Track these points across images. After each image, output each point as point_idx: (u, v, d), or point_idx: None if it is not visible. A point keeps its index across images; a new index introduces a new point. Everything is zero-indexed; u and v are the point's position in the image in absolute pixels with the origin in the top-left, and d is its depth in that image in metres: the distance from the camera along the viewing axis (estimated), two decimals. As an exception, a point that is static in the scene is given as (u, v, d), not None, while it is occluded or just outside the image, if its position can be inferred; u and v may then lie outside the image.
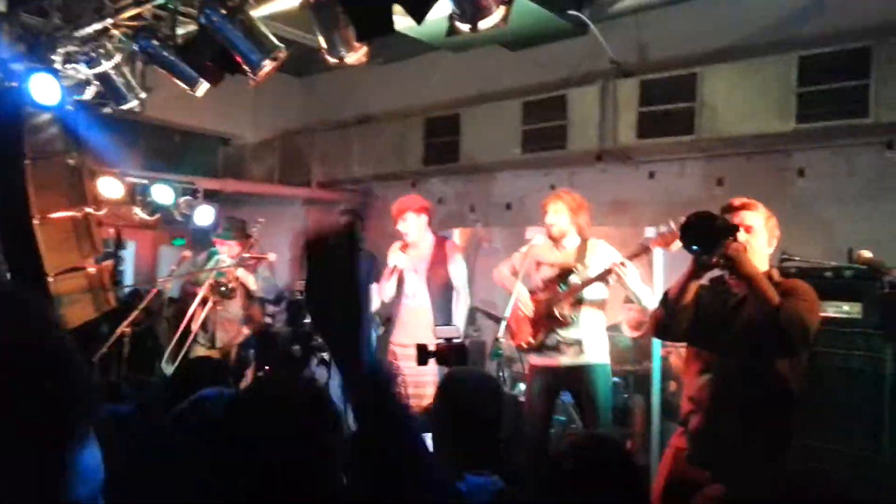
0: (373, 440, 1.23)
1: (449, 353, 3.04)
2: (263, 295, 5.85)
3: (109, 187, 6.37)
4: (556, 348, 4.33)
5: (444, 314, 4.85)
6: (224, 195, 7.97)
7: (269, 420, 1.43)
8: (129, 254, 8.86)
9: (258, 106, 8.51)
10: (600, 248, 4.37)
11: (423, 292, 4.89)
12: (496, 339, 4.13)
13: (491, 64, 6.56)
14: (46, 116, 6.00)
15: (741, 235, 2.77)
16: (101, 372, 5.38)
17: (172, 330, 5.85)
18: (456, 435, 2.37)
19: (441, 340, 3.12)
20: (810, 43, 5.01)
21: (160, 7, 4.71)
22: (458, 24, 3.54)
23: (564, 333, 4.30)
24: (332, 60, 4.07)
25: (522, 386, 5.12)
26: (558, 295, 4.31)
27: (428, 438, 2.54)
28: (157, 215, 6.94)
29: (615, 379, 5.62)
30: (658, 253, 4.61)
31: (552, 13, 5.36)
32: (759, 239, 3.00)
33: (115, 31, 5.07)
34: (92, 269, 6.24)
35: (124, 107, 5.43)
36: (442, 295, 4.88)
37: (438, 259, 4.94)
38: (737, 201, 3.02)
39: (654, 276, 5.11)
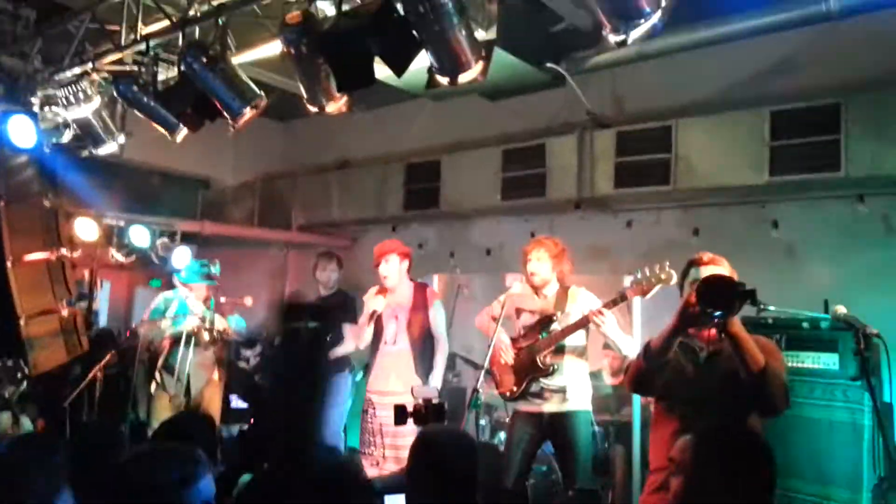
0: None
1: (427, 414, 3.00)
2: (236, 338, 5.78)
3: (85, 229, 6.29)
4: (539, 395, 4.28)
5: (423, 361, 4.78)
6: (203, 237, 7.92)
7: None
8: (104, 295, 8.75)
9: (239, 149, 8.53)
10: (581, 296, 4.34)
11: (404, 339, 4.80)
12: (475, 390, 4.08)
13: (471, 112, 6.64)
14: (23, 159, 5.97)
15: None
16: (72, 415, 5.26)
17: (149, 375, 5.72)
18: (432, 494, 2.33)
19: (419, 400, 3.09)
20: (782, 98, 5.14)
21: (141, 53, 4.71)
22: (438, 78, 3.58)
23: (548, 381, 4.27)
24: (312, 109, 4.09)
25: (503, 435, 5.06)
26: (539, 343, 4.28)
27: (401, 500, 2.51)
28: (133, 257, 6.86)
29: (595, 428, 5.60)
30: (637, 301, 4.63)
31: (530, 66, 5.47)
32: None
33: (95, 76, 5.08)
34: (65, 312, 6.16)
35: (103, 151, 5.40)
36: (422, 342, 4.81)
37: (418, 305, 4.87)
38: (705, 256, 3.04)
39: (634, 324, 5.13)
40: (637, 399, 5.14)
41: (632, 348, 4.16)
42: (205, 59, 4.17)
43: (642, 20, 2.82)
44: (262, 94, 4.51)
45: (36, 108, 5.56)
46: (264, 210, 8.73)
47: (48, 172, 6.17)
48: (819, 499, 4.22)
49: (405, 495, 2.46)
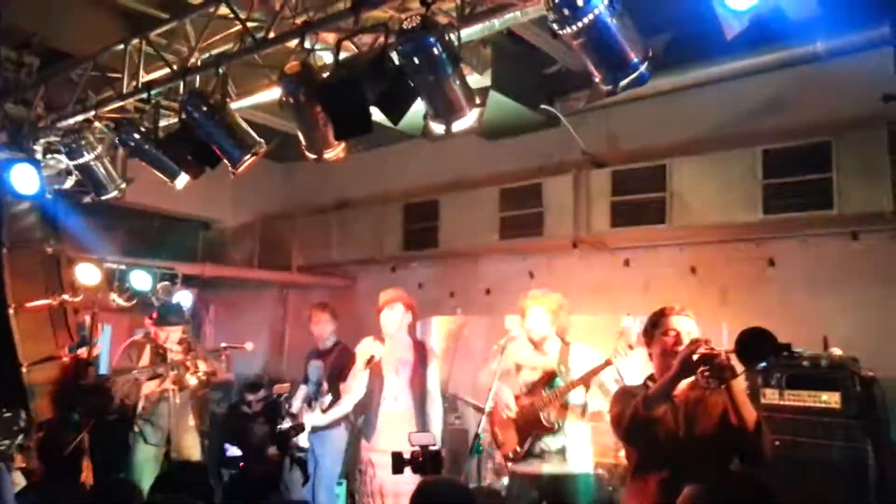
0: None
1: (425, 461, 2.99)
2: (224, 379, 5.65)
3: (87, 274, 6.31)
4: (540, 456, 4.19)
5: (422, 420, 4.59)
6: (203, 279, 7.96)
7: None
8: (105, 339, 8.76)
9: (239, 190, 8.60)
10: (582, 352, 4.29)
11: (406, 396, 4.63)
12: (476, 435, 4.04)
13: (468, 152, 6.73)
14: (25, 205, 6.05)
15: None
16: (72, 465, 5.21)
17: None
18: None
19: (416, 448, 3.07)
20: (773, 137, 5.21)
21: (142, 100, 4.79)
22: (432, 125, 3.64)
23: (549, 441, 4.17)
24: (311, 157, 4.15)
25: (506, 480, 4.98)
26: (544, 398, 4.20)
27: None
28: (135, 301, 6.87)
29: (598, 471, 5.54)
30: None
31: (525, 107, 5.56)
32: None
33: (97, 123, 5.15)
34: (66, 359, 6.17)
35: (104, 197, 5.45)
36: (422, 400, 4.64)
37: (419, 362, 4.72)
38: (676, 306, 3.04)
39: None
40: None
41: None
42: (205, 108, 4.24)
43: (630, 70, 2.89)
44: (262, 140, 4.57)
45: (38, 155, 5.63)
46: (264, 251, 8.79)
47: (50, 218, 6.24)
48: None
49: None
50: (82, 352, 5.99)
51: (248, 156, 4.47)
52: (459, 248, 7.02)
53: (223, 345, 5.70)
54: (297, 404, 5.00)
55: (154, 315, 5.63)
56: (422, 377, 4.69)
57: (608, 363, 4.01)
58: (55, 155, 5.58)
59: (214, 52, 4.59)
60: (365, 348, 4.72)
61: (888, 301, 4.91)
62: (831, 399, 4.39)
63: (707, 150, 5.54)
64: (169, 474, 2.81)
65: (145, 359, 5.45)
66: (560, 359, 4.26)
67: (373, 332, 4.86)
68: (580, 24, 2.87)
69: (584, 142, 6.10)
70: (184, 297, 6.79)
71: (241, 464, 3.87)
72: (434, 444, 3.10)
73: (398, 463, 3.09)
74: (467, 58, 4.93)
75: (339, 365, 5.11)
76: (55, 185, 5.83)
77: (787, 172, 5.05)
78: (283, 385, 4.25)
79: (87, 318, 6.46)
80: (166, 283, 6.89)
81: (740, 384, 2.73)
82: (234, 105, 4.56)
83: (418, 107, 3.61)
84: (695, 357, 2.72)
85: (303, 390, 5.12)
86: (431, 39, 3.27)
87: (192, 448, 5.46)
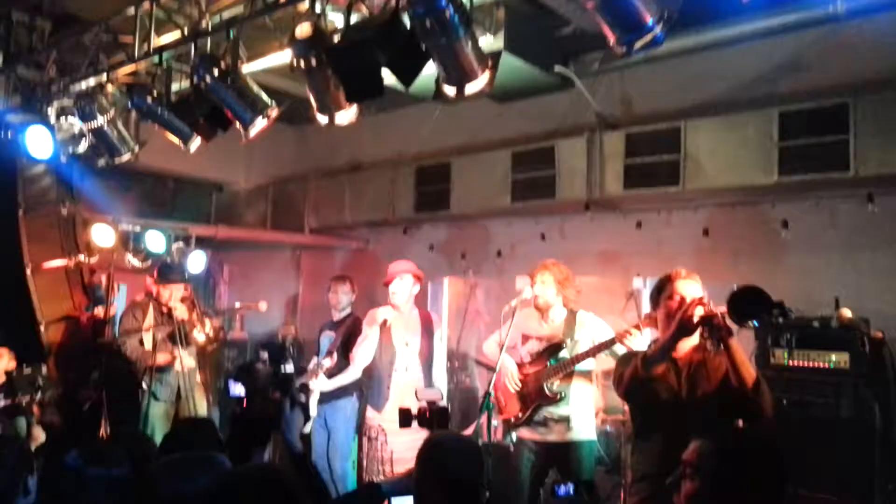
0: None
1: (431, 416, 3.05)
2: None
3: (102, 235, 6.37)
4: (543, 424, 4.23)
5: (430, 386, 4.67)
6: (217, 241, 8.02)
7: None
8: (120, 299, 8.89)
9: (251, 153, 8.62)
10: (588, 321, 4.29)
11: (416, 366, 4.69)
12: (486, 392, 4.09)
13: (480, 115, 6.68)
14: (40, 168, 6.10)
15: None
16: (91, 421, 5.33)
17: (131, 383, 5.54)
18: (438, 498, 2.38)
19: (423, 403, 3.13)
20: (790, 99, 5.14)
21: (154, 64, 4.79)
22: (445, 88, 3.62)
23: (553, 409, 4.20)
24: (322, 120, 4.15)
25: (515, 435, 5.08)
26: (548, 370, 4.22)
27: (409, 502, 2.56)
28: (150, 261, 6.94)
29: (608, 428, 5.62)
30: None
31: (538, 69, 5.49)
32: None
33: (109, 87, 5.15)
34: (83, 319, 6.29)
35: (118, 160, 5.48)
36: (428, 369, 4.75)
37: (427, 332, 4.81)
38: (683, 271, 3.04)
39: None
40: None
41: None
42: (217, 72, 4.24)
43: (645, 31, 2.86)
44: (273, 103, 4.57)
45: (52, 119, 5.65)
46: (277, 213, 8.83)
47: (65, 181, 6.30)
48: (832, 498, 4.25)
49: (413, 498, 2.52)
50: (99, 311, 6.11)
51: (260, 119, 4.49)
52: (471, 210, 7.02)
53: (237, 304, 5.77)
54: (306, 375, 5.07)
55: (155, 273, 5.65)
56: (429, 347, 4.77)
57: (616, 340, 4.01)
58: (69, 118, 5.58)
59: (225, 15, 4.57)
60: (377, 315, 4.75)
61: (902, 263, 4.90)
62: (840, 359, 4.42)
63: (722, 113, 5.47)
64: (176, 432, 2.87)
65: (150, 319, 5.50)
66: (566, 328, 4.28)
67: (384, 296, 4.91)
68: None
69: (598, 104, 6.04)
70: (198, 258, 6.85)
71: (244, 403, 3.97)
72: (441, 400, 3.15)
73: (406, 418, 3.15)
74: (479, 19, 4.88)
75: (349, 334, 5.15)
76: (69, 148, 5.86)
77: (804, 134, 4.99)
78: (287, 328, 4.31)
79: (103, 279, 6.56)
80: (180, 244, 6.95)
81: (738, 345, 2.76)
82: (245, 68, 4.54)
83: (430, 70, 3.60)
84: (694, 318, 2.75)
85: (314, 362, 5.17)
86: (443, 1, 3.24)
87: (200, 404, 5.56)
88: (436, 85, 3.66)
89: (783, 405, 4.39)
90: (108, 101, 5.22)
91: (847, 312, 4.29)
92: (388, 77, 3.62)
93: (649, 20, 2.88)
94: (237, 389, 3.72)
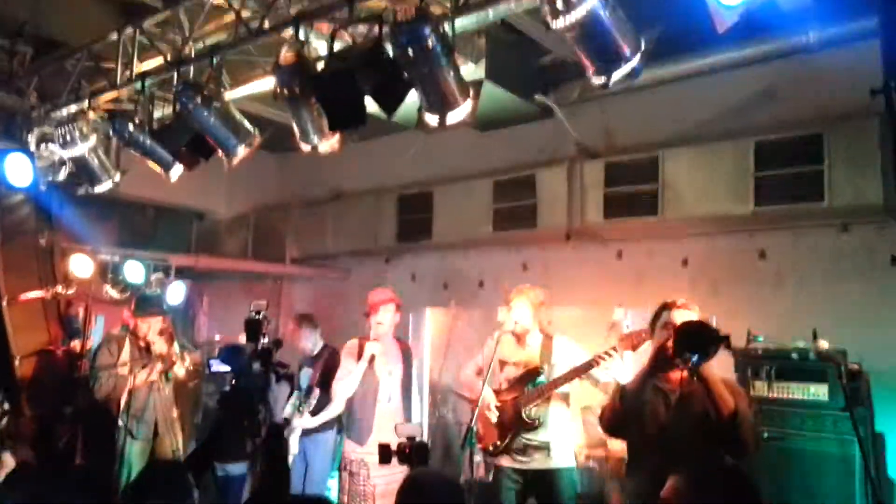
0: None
1: (411, 452, 3.03)
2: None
3: (80, 266, 6.26)
4: (523, 451, 4.21)
5: (409, 415, 4.72)
6: (197, 271, 7.95)
7: None
8: (98, 331, 8.76)
9: (232, 181, 8.59)
10: (565, 346, 4.31)
11: (398, 396, 4.70)
12: (469, 427, 4.05)
13: (462, 144, 6.73)
14: (19, 197, 6.02)
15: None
16: (66, 457, 5.20)
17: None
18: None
19: (403, 439, 3.11)
20: (765, 129, 5.23)
21: (136, 91, 4.78)
22: (427, 117, 3.66)
23: (532, 436, 4.19)
24: (305, 148, 4.16)
25: (490, 460, 5.03)
26: (525, 395, 4.21)
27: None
28: (128, 293, 6.84)
29: (590, 463, 5.58)
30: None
31: (518, 98, 5.56)
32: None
33: (91, 114, 5.13)
34: (59, 352, 6.17)
35: (99, 189, 5.44)
36: (408, 398, 4.77)
37: (405, 362, 4.83)
38: (679, 300, 3.08)
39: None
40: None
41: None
42: (200, 99, 4.24)
43: (623, 62, 2.91)
44: (257, 131, 4.58)
45: (32, 146, 5.61)
46: (258, 242, 8.78)
47: (44, 210, 6.22)
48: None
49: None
50: (75, 344, 6.00)
51: (243, 147, 4.49)
52: (453, 239, 7.04)
53: (217, 337, 5.68)
54: (289, 410, 4.97)
55: (132, 305, 5.47)
56: (409, 376, 4.80)
57: (594, 364, 4.01)
58: (49, 146, 5.55)
59: (209, 42, 4.59)
60: (365, 350, 4.69)
61: (877, 293, 4.95)
62: (818, 391, 4.43)
63: (699, 142, 5.55)
64: (149, 474, 2.80)
65: (126, 353, 5.26)
66: (543, 353, 4.27)
67: (363, 326, 4.88)
68: (573, 17, 2.89)
69: (578, 133, 6.11)
70: (177, 289, 6.78)
71: (233, 380, 3.96)
72: (420, 436, 3.13)
73: (385, 454, 3.13)
74: (461, 47, 4.93)
75: (328, 368, 5.11)
76: (49, 177, 5.81)
77: (779, 165, 5.07)
78: (259, 302, 4.27)
79: (80, 311, 6.46)
80: (159, 274, 6.88)
81: (714, 376, 2.77)
82: (228, 95, 4.56)
83: (412, 98, 3.63)
84: (667, 353, 2.77)
85: (295, 397, 5.08)
86: (426, 31, 3.29)
87: (176, 440, 5.39)
88: (418, 114, 3.69)
89: (760, 437, 4.38)
90: (89, 128, 5.19)
91: (824, 344, 4.32)
92: (371, 105, 3.65)
93: (627, 51, 2.94)
94: (220, 367, 3.71)
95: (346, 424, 4.93)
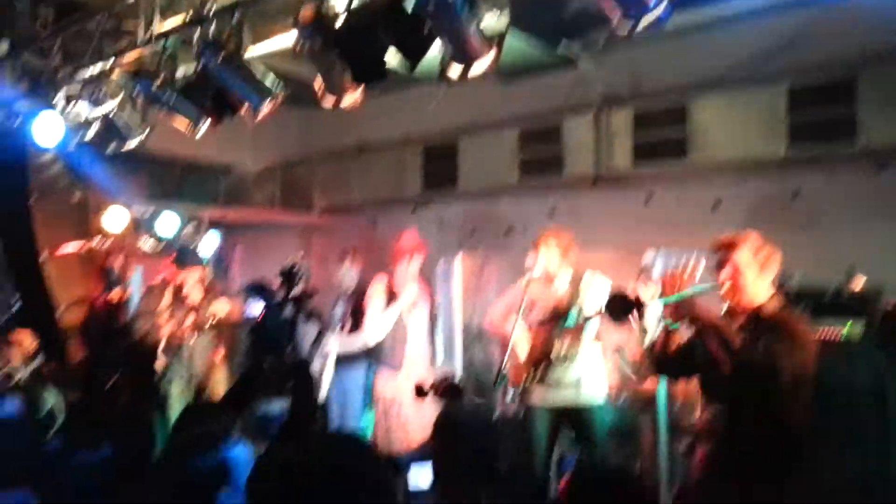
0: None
1: (446, 391, 3.11)
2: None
3: (115, 219, 6.44)
4: (554, 386, 4.32)
5: (433, 350, 5.04)
6: (227, 223, 8.05)
7: None
8: (135, 281, 8.96)
9: (257, 136, 8.57)
10: (594, 283, 4.36)
11: (424, 333, 4.97)
12: (500, 367, 4.15)
13: (486, 94, 6.63)
14: (50, 155, 6.13)
15: (725, 273, 2.90)
16: (111, 401, 5.41)
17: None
18: (456, 470, 2.44)
19: (437, 378, 3.19)
20: (798, 72, 5.09)
21: (159, 50, 4.78)
22: (450, 68, 3.62)
23: (562, 373, 4.31)
24: (328, 103, 4.15)
25: (518, 394, 5.17)
26: (555, 333, 4.30)
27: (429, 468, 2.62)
28: (162, 244, 6.98)
29: (621, 401, 5.66)
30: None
31: (544, 46, 5.45)
32: (748, 274, 3.04)
33: (115, 73, 5.16)
34: (99, 302, 6.36)
35: (127, 146, 5.50)
36: (432, 335, 5.14)
37: (428, 301, 5.16)
38: (725, 239, 3.08)
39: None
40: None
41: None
42: (222, 56, 4.24)
43: (648, 10, 2.84)
44: (280, 87, 4.57)
45: (60, 106, 5.67)
46: (286, 195, 8.84)
47: (75, 168, 6.33)
48: (847, 469, 4.27)
49: (431, 469, 2.57)
50: (114, 294, 6.18)
51: (267, 103, 4.49)
52: (479, 188, 7.02)
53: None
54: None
55: (172, 258, 5.78)
56: (432, 315, 5.13)
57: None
58: (76, 105, 5.60)
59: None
60: (384, 287, 4.99)
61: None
62: (854, 329, 4.43)
63: (730, 87, 5.43)
64: (180, 419, 2.91)
65: (165, 302, 5.60)
66: (572, 293, 4.33)
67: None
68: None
69: (606, 80, 6.00)
70: (212, 240, 6.90)
71: (262, 313, 4.14)
72: (453, 375, 3.21)
73: (421, 392, 3.22)
74: (485, -4, 4.84)
75: (360, 300, 5.35)
76: (78, 135, 5.88)
77: (812, 107, 4.97)
78: (294, 256, 4.42)
79: (117, 263, 6.62)
80: (192, 226, 6.99)
81: (713, 327, 2.81)
82: (250, 52, 4.54)
83: (435, 51, 3.59)
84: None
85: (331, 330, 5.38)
86: (447, -19, 3.23)
87: (219, 384, 5.65)
88: (441, 65, 3.65)
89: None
90: (114, 86, 5.24)
91: (859, 282, 4.29)
92: (393, 60, 3.62)
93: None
94: (254, 309, 3.85)
95: (377, 358, 5.14)
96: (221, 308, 5.61)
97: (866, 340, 4.31)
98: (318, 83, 4.12)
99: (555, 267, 4.37)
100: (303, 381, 3.14)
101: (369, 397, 5.42)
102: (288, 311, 4.09)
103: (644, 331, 4.20)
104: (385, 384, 4.88)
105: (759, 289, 3.01)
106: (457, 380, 3.28)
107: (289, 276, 3.94)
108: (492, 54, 3.56)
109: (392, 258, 4.95)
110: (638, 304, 2.95)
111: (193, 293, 5.55)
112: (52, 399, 5.09)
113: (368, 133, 8.15)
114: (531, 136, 6.46)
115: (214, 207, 8.21)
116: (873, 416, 4.26)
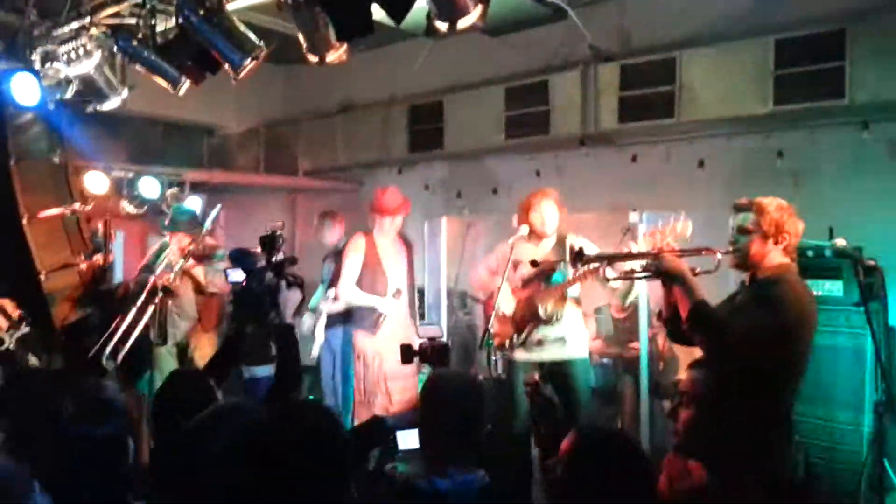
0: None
1: (433, 353, 3.12)
2: (216, 290, 5.66)
3: (95, 183, 6.34)
4: (538, 344, 4.38)
5: (413, 309, 5.08)
6: (211, 185, 7.97)
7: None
8: (118, 245, 8.88)
9: (241, 95, 8.46)
10: (579, 244, 4.38)
11: (405, 290, 4.97)
12: (486, 329, 4.18)
13: (472, 50, 6.56)
14: (29, 116, 5.99)
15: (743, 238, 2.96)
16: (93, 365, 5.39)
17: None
18: (442, 433, 2.47)
19: (424, 340, 3.20)
20: (786, 26, 5.05)
21: (137, 5, 4.67)
22: (437, 23, 3.56)
23: (547, 331, 4.34)
24: (312, 60, 4.08)
25: (504, 354, 5.21)
26: (541, 293, 4.33)
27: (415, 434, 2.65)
28: (145, 208, 6.92)
29: (604, 360, 5.74)
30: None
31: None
32: (760, 240, 3.04)
33: (93, 30, 5.04)
34: (83, 266, 6.29)
35: (106, 106, 5.41)
36: (412, 291, 5.12)
37: (410, 258, 5.14)
38: (743, 201, 3.10)
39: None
40: (644, 332, 5.25)
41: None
42: (202, 11, 4.14)
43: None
44: (262, 43, 4.48)
45: (37, 65, 5.53)
46: (270, 156, 8.75)
47: (54, 129, 6.20)
48: (824, 421, 4.38)
49: (418, 431, 2.60)
50: (98, 258, 6.12)
51: (249, 60, 4.40)
52: (465, 148, 6.97)
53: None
54: (314, 301, 5.36)
55: (167, 220, 5.75)
56: (412, 271, 5.09)
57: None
58: (54, 64, 5.47)
59: (208, -49, 4.43)
60: (362, 244, 4.98)
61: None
62: (834, 287, 4.49)
63: (718, 42, 5.38)
64: (165, 386, 2.93)
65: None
66: (557, 251, 4.35)
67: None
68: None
69: (593, 36, 5.93)
70: (194, 203, 6.83)
71: (244, 282, 4.18)
72: (441, 336, 3.23)
73: (407, 354, 3.23)
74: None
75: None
76: (56, 95, 5.76)
77: (800, 62, 4.93)
78: (276, 223, 4.41)
79: (100, 226, 6.55)
80: (174, 189, 6.91)
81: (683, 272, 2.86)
82: (231, 7, 4.44)
83: (421, 4, 3.53)
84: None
85: (321, 290, 5.41)
86: (433, -68, 3.16)
87: (199, 348, 5.64)
88: (427, 19, 3.59)
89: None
90: (92, 44, 5.11)
91: (841, 241, 4.33)
92: (378, 12, 3.55)
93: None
94: (236, 276, 3.85)
95: (356, 317, 5.14)
96: (209, 273, 5.57)
97: (846, 298, 4.38)
98: (302, 40, 4.04)
99: (554, 224, 4.38)
100: (287, 347, 3.15)
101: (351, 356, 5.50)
102: (269, 277, 4.09)
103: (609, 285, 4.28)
104: (364, 341, 4.91)
105: (771, 256, 3.01)
106: (444, 342, 3.28)
107: (270, 243, 3.92)
108: (479, 8, 3.50)
109: (373, 216, 4.92)
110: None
111: (174, 258, 5.47)
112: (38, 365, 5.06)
113: (353, 92, 8.06)
114: (517, 93, 6.40)
115: (199, 170, 8.10)
116: (852, 370, 4.36)
